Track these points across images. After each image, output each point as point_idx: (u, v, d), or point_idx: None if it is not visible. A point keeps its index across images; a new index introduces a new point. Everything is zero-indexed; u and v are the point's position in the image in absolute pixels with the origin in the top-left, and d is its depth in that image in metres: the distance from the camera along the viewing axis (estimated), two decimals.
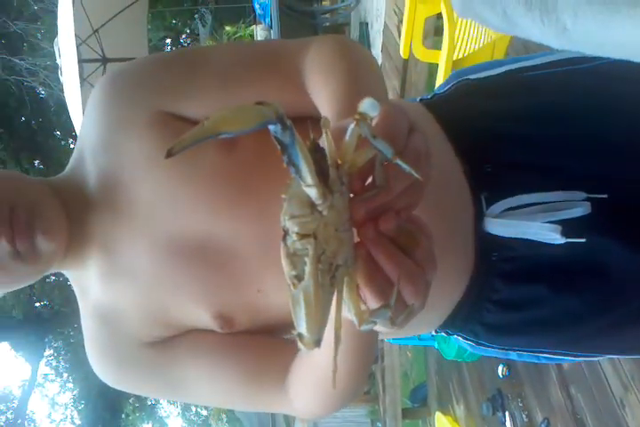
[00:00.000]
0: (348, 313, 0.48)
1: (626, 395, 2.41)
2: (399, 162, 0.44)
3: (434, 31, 3.61)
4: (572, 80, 0.84)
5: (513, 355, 0.89)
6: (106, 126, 0.77)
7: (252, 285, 0.74)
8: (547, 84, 0.85)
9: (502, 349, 0.88)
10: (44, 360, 22.25)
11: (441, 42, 2.50)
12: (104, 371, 0.82)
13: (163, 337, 0.79)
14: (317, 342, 0.44)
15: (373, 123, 0.47)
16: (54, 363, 22.33)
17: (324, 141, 0.46)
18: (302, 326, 0.43)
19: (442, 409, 5.15)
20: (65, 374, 22.39)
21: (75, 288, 0.83)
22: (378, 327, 0.50)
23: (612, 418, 2.53)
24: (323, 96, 0.69)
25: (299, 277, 0.44)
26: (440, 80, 2.52)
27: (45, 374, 23.16)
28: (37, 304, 17.34)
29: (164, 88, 0.76)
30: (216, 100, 0.74)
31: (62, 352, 21.14)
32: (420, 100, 0.90)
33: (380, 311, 0.47)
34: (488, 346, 0.86)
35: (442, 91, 0.90)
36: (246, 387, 0.79)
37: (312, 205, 0.45)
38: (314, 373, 0.71)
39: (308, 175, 0.42)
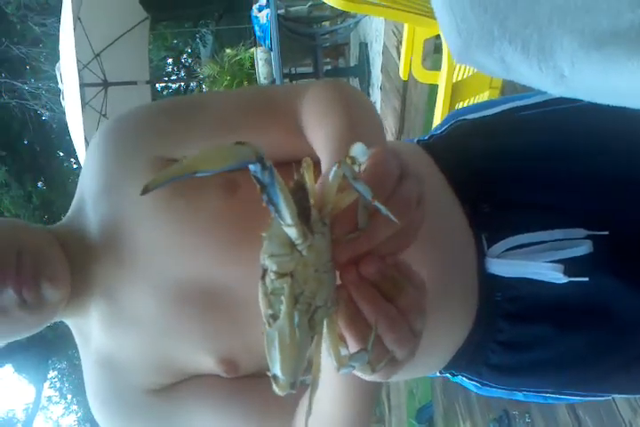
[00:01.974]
0: (329, 356, 0.47)
1: (635, 418, 2.38)
2: (378, 205, 0.44)
3: (434, 49, 3.62)
4: (566, 118, 0.85)
5: (519, 395, 0.87)
6: (106, 175, 0.77)
7: (256, 328, 0.73)
8: (542, 122, 0.86)
9: (508, 389, 0.86)
10: (48, 382, 22.12)
11: (441, 60, 2.50)
12: (108, 421, 0.81)
13: (167, 384, 0.78)
14: (292, 385, 0.43)
15: (363, 167, 0.47)
16: (58, 385, 22.17)
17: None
18: (277, 367, 0.42)
19: None
20: (69, 396, 22.21)
21: (76, 337, 0.82)
22: (362, 374, 0.49)
23: None
24: (319, 139, 0.69)
25: (274, 317, 0.44)
26: (440, 103, 2.52)
27: (49, 397, 23.02)
28: None
29: (162, 135, 0.76)
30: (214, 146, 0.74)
31: (66, 373, 20.99)
32: (418, 141, 0.91)
33: (358, 355, 0.46)
34: (493, 386, 0.85)
35: (439, 132, 0.91)
36: None
37: (292, 245, 0.44)
38: (318, 418, 0.70)
39: (287, 215, 0.42)
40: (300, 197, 0.45)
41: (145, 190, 0.38)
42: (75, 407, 22.62)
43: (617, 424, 2.50)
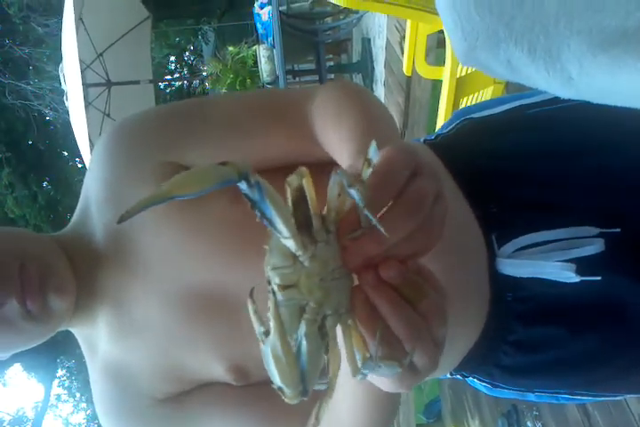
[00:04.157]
0: (347, 362, 0.46)
1: None
2: (367, 213, 0.42)
3: (437, 43, 3.60)
4: (575, 115, 0.83)
5: (531, 396, 0.87)
6: (111, 181, 0.75)
7: None
8: (549, 120, 0.85)
9: (520, 390, 0.86)
10: (57, 381, 22.20)
11: (444, 54, 2.49)
12: None
13: (175, 393, 0.77)
14: (303, 393, 0.42)
15: None
16: (67, 383, 22.26)
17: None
18: (277, 381, 0.42)
19: (456, 424, 5.09)
20: (78, 394, 22.30)
21: (82, 346, 0.81)
22: (386, 384, 0.48)
23: None
24: (333, 143, 0.68)
25: (267, 333, 0.43)
26: (444, 98, 2.51)
27: (58, 395, 23.12)
28: None
29: (167, 140, 0.75)
30: (222, 151, 0.74)
31: (75, 372, 21.06)
32: (424, 140, 0.90)
33: (367, 363, 0.45)
34: (505, 388, 0.85)
35: (445, 131, 0.90)
36: None
37: (294, 256, 0.44)
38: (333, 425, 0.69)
39: (283, 228, 0.42)
40: (301, 207, 0.45)
41: (121, 219, 0.37)
42: (84, 405, 22.73)
43: (626, 418, 2.49)
